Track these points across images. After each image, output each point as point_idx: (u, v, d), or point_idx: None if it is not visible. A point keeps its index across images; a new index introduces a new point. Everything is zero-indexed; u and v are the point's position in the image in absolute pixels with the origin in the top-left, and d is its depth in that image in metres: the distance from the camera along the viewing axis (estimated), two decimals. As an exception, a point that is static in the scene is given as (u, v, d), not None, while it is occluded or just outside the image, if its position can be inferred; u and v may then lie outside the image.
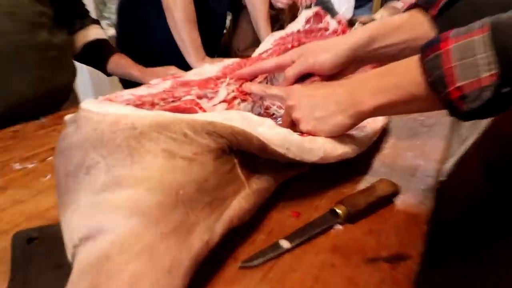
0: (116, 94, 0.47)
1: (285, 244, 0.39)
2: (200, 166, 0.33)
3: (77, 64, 0.97)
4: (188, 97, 0.47)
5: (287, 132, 0.41)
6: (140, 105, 0.46)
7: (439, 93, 0.36)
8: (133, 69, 0.95)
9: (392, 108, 0.43)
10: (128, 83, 1.02)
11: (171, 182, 0.30)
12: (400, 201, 0.48)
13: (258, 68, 0.58)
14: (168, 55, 1.14)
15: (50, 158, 0.64)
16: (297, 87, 0.50)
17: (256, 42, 1.45)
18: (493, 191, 0.60)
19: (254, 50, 0.95)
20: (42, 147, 0.68)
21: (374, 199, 0.45)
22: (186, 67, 1.04)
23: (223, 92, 0.50)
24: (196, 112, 0.40)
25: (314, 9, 1.11)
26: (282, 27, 1.55)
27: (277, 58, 0.57)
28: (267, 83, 0.68)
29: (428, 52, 0.37)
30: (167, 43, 1.09)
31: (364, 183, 0.52)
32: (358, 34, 0.54)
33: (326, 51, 0.54)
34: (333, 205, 0.44)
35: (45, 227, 0.40)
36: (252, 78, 0.60)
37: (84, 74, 1.84)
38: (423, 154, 0.61)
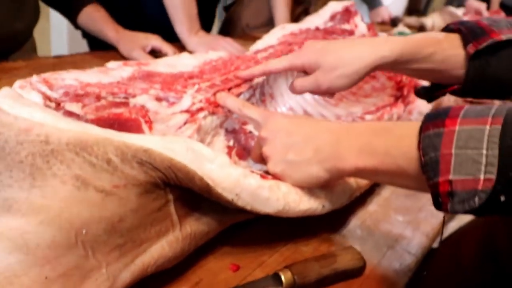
0: (58, 75, 0.47)
1: (205, 305, 0.40)
2: (117, 203, 0.34)
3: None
4: (142, 99, 0.48)
5: (241, 175, 0.41)
6: (82, 96, 0.46)
7: (428, 179, 0.36)
8: (108, 28, 0.94)
9: (375, 176, 0.43)
10: (97, 43, 1.02)
11: (74, 218, 0.31)
12: (364, 278, 0.49)
13: (267, 69, 0.61)
14: (153, 15, 1.13)
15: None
16: (278, 116, 0.51)
17: (272, 22, 1.44)
18: (492, 279, 0.61)
19: (267, 31, 0.94)
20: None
21: (329, 271, 0.46)
22: (173, 37, 1.04)
23: (187, 100, 0.50)
24: (139, 125, 0.41)
25: (346, 3, 1.11)
26: (306, 11, 1.54)
27: (288, 60, 0.60)
28: (254, 91, 0.69)
29: (430, 126, 0.37)
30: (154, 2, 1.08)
31: (330, 245, 0.53)
32: (386, 51, 0.55)
33: (343, 68, 0.56)
34: (279, 268, 0.45)
35: None
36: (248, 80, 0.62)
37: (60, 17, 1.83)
38: (414, 222, 0.62)
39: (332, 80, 0.56)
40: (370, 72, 0.56)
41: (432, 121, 0.37)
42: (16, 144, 0.31)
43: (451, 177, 0.34)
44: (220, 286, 0.43)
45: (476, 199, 0.33)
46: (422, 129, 0.38)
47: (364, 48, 0.57)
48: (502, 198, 0.33)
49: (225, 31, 1.55)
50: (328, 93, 0.59)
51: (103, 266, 0.33)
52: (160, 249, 0.38)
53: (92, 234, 0.32)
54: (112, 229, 0.33)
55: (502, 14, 1.97)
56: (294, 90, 0.59)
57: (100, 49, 0.99)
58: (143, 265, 0.37)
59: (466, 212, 0.34)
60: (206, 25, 1.25)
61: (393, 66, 0.57)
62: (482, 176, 0.33)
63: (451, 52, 0.54)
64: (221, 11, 1.75)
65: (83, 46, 1.27)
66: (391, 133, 0.42)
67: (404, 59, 0.55)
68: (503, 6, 1.92)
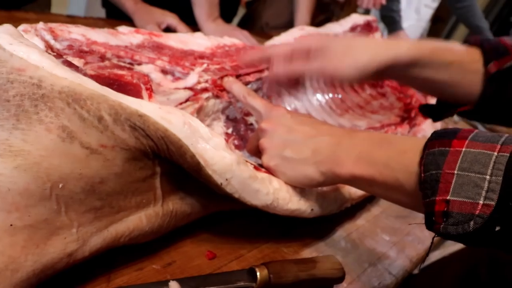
0: (66, 27, 0.46)
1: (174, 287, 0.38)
2: (101, 163, 0.32)
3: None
4: (147, 68, 0.46)
5: (235, 160, 0.39)
6: (86, 52, 0.44)
7: (425, 196, 0.35)
8: (127, -2, 0.93)
9: (370, 186, 0.42)
10: (115, 14, 1.00)
11: (52, 170, 0.29)
12: (340, 291, 0.48)
13: (266, 54, 0.54)
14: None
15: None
16: (282, 111, 0.49)
17: (292, 24, 1.43)
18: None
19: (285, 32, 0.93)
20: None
21: (306, 277, 0.44)
22: (191, 20, 1.02)
23: (193, 78, 0.49)
24: (139, 91, 0.39)
25: (368, 17, 1.09)
26: (328, 21, 1.53)
27: (291, 44, 0.53)
28: (262, 84, 0.67)
29: (436, 144, 0.36)
30: None
31: (312, 251, 0.51)
32: (403, 49, 0.51)
33: (354, 57, 0.51)
34: (256, 264, 0.43)
35: None
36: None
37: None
38: (400, 243, 0.60)
39: (339, 67, 0.51)
40: (381, 71, 0.51)
41: (439, 139, 0.36)
42: (6, 81, 0.29)
43: (449, 197, 0.33)
44: (193, 271, 0.42)
45: (472, 223, 0.31)
46: (427, 146, 0.36)
47: (379, 45, 0.52)
48: (497, 228, 0.32)
49: (243, 27, 1.53)
50: (330, 80, 0.53)
51: (75, 226, 0.31)
52: (138, 220, 0.36)
53: (69, 190, 0.30)
54: (91, 189, 0.32)
55: None
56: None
57: (117, 16, 0.98)
58: (116, 234, 0.35)
59: (457, 235, 0.33)
60: (227, 18, 1.24)
61: (406, 69, 0.52)
62: (481, 201, 0.31)
63: (470, 67, 0.52)
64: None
65: (100, 14, 1.25)
66: (393, 146, 0.40)
67: (420, 62, 0.52)
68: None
